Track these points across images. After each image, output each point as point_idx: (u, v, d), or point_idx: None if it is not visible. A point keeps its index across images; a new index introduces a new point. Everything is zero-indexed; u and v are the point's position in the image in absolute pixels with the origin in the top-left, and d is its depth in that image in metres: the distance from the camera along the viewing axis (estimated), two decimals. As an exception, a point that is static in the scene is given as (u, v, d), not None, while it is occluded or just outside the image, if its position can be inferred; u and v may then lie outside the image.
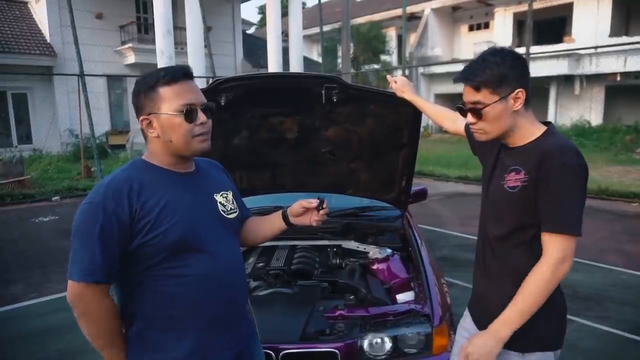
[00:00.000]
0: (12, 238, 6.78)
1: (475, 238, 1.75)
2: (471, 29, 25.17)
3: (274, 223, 1.73)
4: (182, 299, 1.38)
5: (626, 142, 15.68)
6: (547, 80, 18.58)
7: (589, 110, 18.80)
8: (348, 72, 15.33)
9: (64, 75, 13.24)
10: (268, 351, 1.91)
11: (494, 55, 1.47)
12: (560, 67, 17.82)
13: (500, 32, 21.49)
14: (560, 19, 20.62)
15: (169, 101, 1.38)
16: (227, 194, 1.58)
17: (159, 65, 11.74)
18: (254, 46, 20.67)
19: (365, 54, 22.57)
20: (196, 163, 1.56)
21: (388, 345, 2.05)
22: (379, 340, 2.05)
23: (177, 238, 1.35)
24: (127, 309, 1.41)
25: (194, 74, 1.49)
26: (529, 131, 1.52)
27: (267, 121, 2.65)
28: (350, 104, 2.52)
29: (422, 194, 3.90)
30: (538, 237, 1.47)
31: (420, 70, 22.78)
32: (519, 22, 21.33)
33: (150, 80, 1.40)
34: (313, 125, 2.66)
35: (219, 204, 1.52)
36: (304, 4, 23.86)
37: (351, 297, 2.37)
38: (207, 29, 12.18)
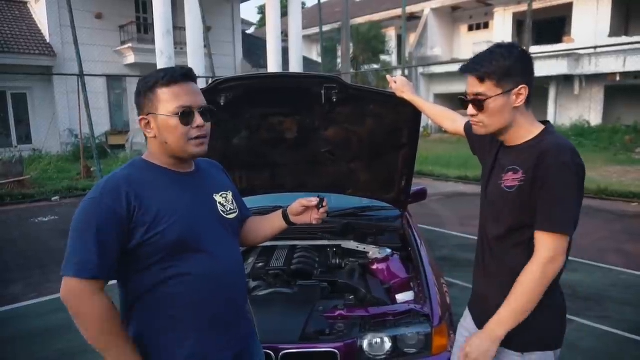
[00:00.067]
0: (12, 238, 6.78)
1: (475, 238, 1.75)
2: (471, 29, 25.18)
3: (274, 222, 1.74)
4: (182, 299, 1.38)
5: (625, 142, 15.69)
6: (546, 80, 18.59)
7: (589, 110, 18.80)
8: (348, 72, 15.34)
9: (63, 75, 13.26)
10: (268, 351, 1.91)
11: (502, 48, 1.48)
12: (559, 67, 17.82)
13: (500, 32, 21.48)
14: (560, 19, 20.62)
15: (166, 102, 1.38)
16: (226, 194, 1.58)
17: (159, 65, 11.75)
18: (254, 46, 20.68)
19: (365, 54, 22.57)
20: (196, 163, 1.56)
21: (388, 345, 2.05)
22: (378, 340, 2.05)
23: (176, 238, 1.35)
24: (128, 310, 1.41)
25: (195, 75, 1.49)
26: (527, 130, 1.53)
27: (267, 121, 2.65)
28: (350, 104, 2.52)
29: (421, 194, 3.90)
30: None
31: (420, 70, 22.79)
32: (519, 22, 21.33)
33: (150, 81, 1.40)
34: (313, 125, 2.66)
35: (218, 204, 1.52)
36: (303, 4, 23.84)
37: (351, 297, 2.37)
38: (207, 29, 12.19)
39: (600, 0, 18.77)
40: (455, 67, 20.43)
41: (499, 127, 1.53)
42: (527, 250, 1.49)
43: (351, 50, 19.29)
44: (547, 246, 1.42)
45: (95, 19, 16.02)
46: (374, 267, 2.62)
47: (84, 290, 1.26)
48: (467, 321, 1.76)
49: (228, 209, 1.55)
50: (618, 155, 14.14)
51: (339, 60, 20.84)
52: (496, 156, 1.63)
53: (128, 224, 1.31)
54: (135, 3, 17.31)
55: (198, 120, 1.41)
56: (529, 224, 1.46)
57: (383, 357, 2.04)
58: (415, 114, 2.41)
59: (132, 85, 15.44)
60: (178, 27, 14.87)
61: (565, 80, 18.77)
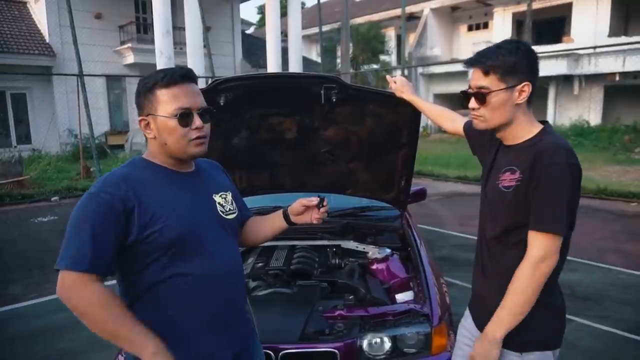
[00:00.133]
0: (11, 238, 6.78)
1: (474, 238, 1.76)
2: (470, 29, 25.17)
3: (274, 222, 1.74)
4: (181, 299, 1.38)
5: (625, 142, 15.69)
6: (546, 80, 18.58)
7: (588, 110, 18.81)
8: (347, 72, 15.35)
9: (63, 75, 13.25)
10: (267, 351, 1.91)
11: (510, 44, 1.49)
12: (559, 67, 17.82)
13: (500, 32, 21.47)
14: (559, 19, 20.63)
15: (165, 104, 1.38)
16: (226, 195, 1.58)
17: (158, 66, 11.75)
18: (253, 46, 20.68)
19: (365, 54, 22.57)
20: (196, 163, 1.56)
21: (387, 345, 2.05)
22: (378, 340, 2.05)
23: (174, 236, 1.35)
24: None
25: (196, 75, 1.49)
26: (526, 129, 1.53)
27: (267, 121, 2.65)
28: (350, 104, 2.52)
29: (421, 194, 3.90)
30: None
31: (420, 70, 22.80)
32: (518, 22, 21.33)
33: (149, 82, 1.40)
34: (312, 125, 2.66)
35: (217, 205, 1.52)
36: (303, 4, 23.85)
37: (350, 297, 2.37)
38: (206, 29, 12.18)
39: (599, 1, 18.78)
40: (455, 67, 20.57)
41: (499, 123, 1.53)
42: (524, 251, 1.49)
43: (351, 50, 19.30)
44: (538, 246, 1.43)
45: (94, 19, 16.02)
46: (374, 267, 2.62)
47: (76, 281, 1.24)
48: (467, 321, 1.76)
49: (227, 210, 1.55)
50: (617, 155, 14.15)
51: (338, 60, 20.83)
52: (495, 156, 1.64)
53: (126, 221, 1.30)
54: (134, 3, 17.32)
55: (197, 121, 1.40)
56: (525, 224, 1.47)
57: (383, 357, 2.04)
58: (414, 114, 2.41)
59: (131, 86, 15.48)
60: (177, 27, 14.88)
61: (565, 80, 18.78)
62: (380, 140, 2.74)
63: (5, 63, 13.38)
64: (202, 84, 10.35)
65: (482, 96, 1.50)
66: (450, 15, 25.20)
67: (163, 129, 1.39)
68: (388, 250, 2.71)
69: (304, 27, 17.62)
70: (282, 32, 15.64)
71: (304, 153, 2.82)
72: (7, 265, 5.52)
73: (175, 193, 1.42)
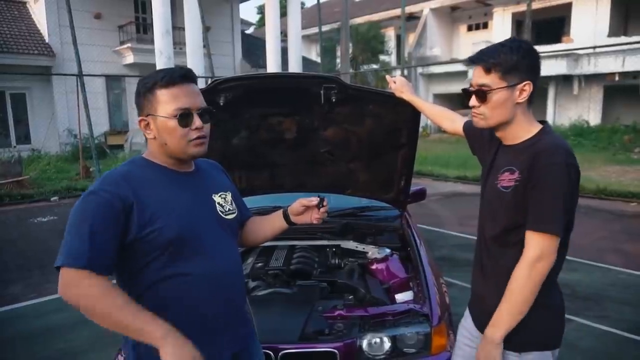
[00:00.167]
0: (11, 238, 6.78)
1: (474, 238, 1.76)
2: (470, 29, 25.17)
3: (274, 222, 1.74)
4: (180, 299, 1.38)
5: (624, 142, 15.70)
6: (545, 80, 18.59)
7: (588, 110, 18.82)
8: (347, 72, 15.35)
9: (62, 75, 13.25)
10: (267, 351, 1.91)
11: (513, 42, 1.49)
12: (558, 67, 17.83)
13: (499, 32, 21.46)
14: (559, 19, 20.63)
15: (165, 104, 1.38)
16: (225, 195, 1.58)
17: (158, 66, 11.75)
18: (253, 46, 20.67)
19: (364, 54, 22.56)
20: (196, 163, 1.56)
21: (387, 345, 2.05)
22: (378, 340, 2.05)
23: (173, 236, 1.35)
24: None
25: (195, 75, 1.49)
26: (526, 129, 1.53)
27: (266, 121, 2.65)
28: (349, 104, 2.52)
29: (420, 194, 3.91)
30: None
31: (419, 70, 22.80)
32: (518, 22, 21.34)
33: (149, 82, 1.40)
34: (312, 125, 2.66)
35: (217, 205, 1.52)
36: (302, 4, 23.86)
37: (350, 297, 2.37)
38: (206, 29, 12.16)
39: (599, 1, 18.79)
40: (454, 67, 20.57)
41: (499, 121, 1.53)
42: (522, 251, 1.49)
43: (350, 50, 19.30)
44: (534, 245, 1.43)
45: (94, 19, 16.02)
46: (373, 267, 2.62)
47: (74, 277, 1.23)
48: (467, 321, 1.76)
49: (227, 210, 1.55)
50: (617, 155, 14.16)
51: (338, 60, 20.83)
52: (494, 156, 1.64)
53: (125, 219, 1.30)
54: (134, 3, 17.31)
55: (197, 122, 1.40)
56: (524, 224, 1.47)
57: (382, 356, 2.04)
58: (414, 114, 2.41)
59: (131, 86, 15.47)
60: (177, 27, 14.87)
61: (564, 80, 18.78)
62: (380, 140, 2.74)
63: (5, 63, 13.37)
64: (201, 84, 10.35)
65: (482, 94, 1.50)
66: (450, 15, 25.20)
67: (163, 129, 1.39)
68: (388, 250, 2.71)
69: (303, 27, 17.62)
70: (281, 32, 15.64)
71: (304, 153, 2.82)
72: (6, 265, 5.52)
73: (174, 193, 1.42)
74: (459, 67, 20.37)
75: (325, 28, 17.06)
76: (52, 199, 9.51)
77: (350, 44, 19.14)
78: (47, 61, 15.10)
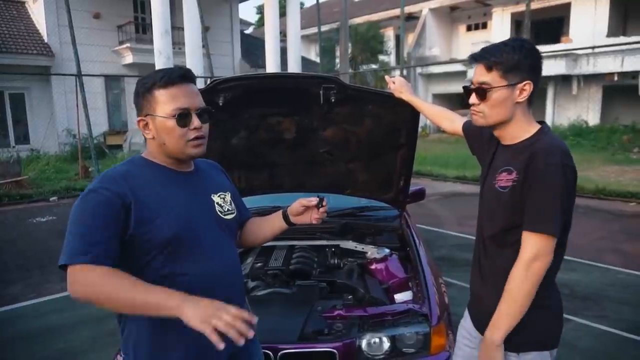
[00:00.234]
0: (10, 238, 6.77)
1: (473, 238, 1.76)
2: (469, 29, 25.18)
3: (274, 223, 1.74)
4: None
5: (623, 141, 15.71)
6: (544, 80, 18.55)
7: (587, 110, 18.83)
8: (346, 72, 15.35)
9: (61, 75, 13.25)
10: (266, 351, 1.92)
11: (515, 42, 1.50)
12: (557, 67, 17.84)
13: (498, 32, 21.48)
14: (558, 19, 20.64)
15: (163, 104, 1.38)
16: (224, 195, 1.58)
17: (157, 66, 11.75)
18: (252, 46, 20.67)
19: (363, 54, 22.56)
20: (195, 163, 1.56)
21: (386, 345, 2.05)
22: (377, 340, 2.05)
23: (170, 235, 1.35)
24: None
25: (194, 75, 1.49)
26: (524, 129, 1.53)
27: (265, 121, 2.65)
28: (348, 104, 2.52)
29: (420, 194, 3.91)
30: None
31: (418, 70, 22.80)
32: (517, 22, 21.35)
33: (148, 82, 1.40)
34: (311, 125, 2.66)
35: (216, 205, 1.52)
36: (302, 4, 23.86)
37: (349, 297, 2.37)
38: (205, 29, 12.15)
39: (598, 1, 18.80)
40: (454, 67, 20.58)
41: (497, 120, 1.54)
42: (519, 251, 1.49)
43: (349, 50, 19.30)
44: (531, 246, 1.43)
45: (93, 19, 16.01)
46: (373, 267, 2.63)
47: (80, 272, 1.22)
48: (466, 322, 1.77)
49: (225, 210, 1.55)
50: (616, 155, 14.17)
51: (337, 60, 20.84)
52: (493, 156, 1.64)
53: (125, 216, 1.30)
54: (133, 3, 17.30)
55: (195, 122, 1.40)
56: (521, 224, 1.47)
57: (382, 356, 2.04)
58: (413, 114, 2.41)
59: (130, 86, 15.45)
60: (176, 27, 14.87)
61: (563, 80, 18.79)
62: (379, 141, 2.74)
63: (4, 63, 13.34)
64: (201, 84, 10.34)
65: (482, 92, 1.51)
66: (449, 16, 25.21)
67: (161, 129, 1.40)
68: (387, 250, 2.71)
69: (302, 27, 17.61)
70: (281, 32, 15.64)
71: (303, 153, 2.82)
72: (6, 265, 5.51)
73: (173, 192, 1.42)
74: (458, 67, 20.38)
75: (324, 28, 17.06)
76: (51, 199, 9.50)
77: (350, 44, 19.15)
78: (46, 61, 15.08)
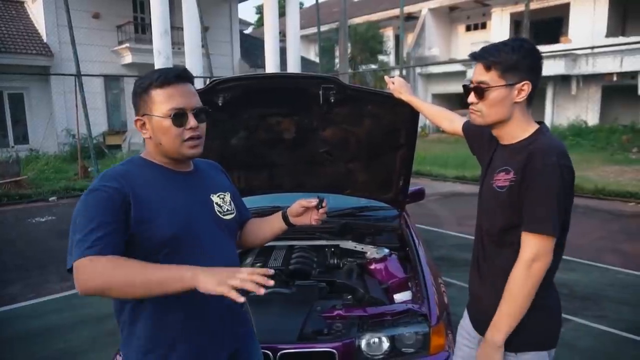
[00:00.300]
0: (9, 238, 6.76)
1: (472, 238, 1.76)
2: (468, 29, 25.19)
3: (273, 224, 1.74)
4: (179, 298, 1.37)
5: (623, 142, 15.72)
6: (543, 80, 18.52)
7: (586, 110, 18.84)
8: (345, 72, 15.35)
9: (60, 75, 13.23)
10: (266, 351, 1.92)
11: (515, 41, 1.50)
12: (557, 67, 17.84)
13: (497, 32, 21.49)
14: (557, 19, 20.65)
15: (160, 104, 1.38)
16: (224, 195, 1.58)
17: (156, 66, 11.73)
18: (252, 46, 20.67)
19: (363, 54, 22.57)
20: (195, 163, 1.56)
21: (386, 344, 2.05)
22: (376, 340, 2.05)
23: (169, 235, 1.35)
24: (122, 310, 1.41)
25: (192, 74, 1.49)
26: (522, 129, 1.53)
27: (265, 121, 2.65)
28: (348, 105, 2.52)
29: (419, 194, 3.91)
30: None
31: (418, 70, 22.81)
32: (516, 23, 21.35)
33: (144, 82, 1.41)
34: (310, 125, 2.66)
35: (215, 205, 1.52)
36: (301, 4, 23.87)
37: (349, 297, 2.37)
38: (205, 29, 12.16)
39: (597, 1, 18.81)
40: (453, 68, 20.58)
41: (495, 119, 1.54)
42: (518, 252, 1.49)
43: (349, 51, 19.30)
44: (530, 246, 1.43)
45: (92, 19, 16.01)
46: (372, 267, 2.62)
47: (87, 265, 1.19)
48: (466, 322, 1.77)
49: (225, 210, 1.55)
50: (615, 155, 14.18)
51: (336, 61, 20.84)
52: (492, 155, 1.64)
53: (126, 214, 1.31)
54: (132, 3, 17.29)
55: (191, 122, 1.40)
56: (519, 224, 1.47)
57: (381, 356, 2.05)
58: (412, 114, 2.41)
59: (129, 86, 15.43)
60: (176, 27, 14.86)
61: (563, 81, 18.80)
62: (379, 141, 2.74)
63: (3, 63, 13.34)
64: (200, 84, 10.35)
65: (481, 91, 1.51)
66: (448, 16, 25.22)
67: (158, 129, 1.40)
68: (386, 250, 2.71)
69: (302, 27, 17.61)
70: (280, 32, 15.64)
71: (303, 153, 2.82)
72: (5, 265, 5.50)
73: (172, 192, 1.42)
74: (458, 67, 20.38)
75: (323, 28, 17.06)
76: (50, 199, 9.49)
77: (349, 44, 19.15)
78: (45, 61, 15.07)
